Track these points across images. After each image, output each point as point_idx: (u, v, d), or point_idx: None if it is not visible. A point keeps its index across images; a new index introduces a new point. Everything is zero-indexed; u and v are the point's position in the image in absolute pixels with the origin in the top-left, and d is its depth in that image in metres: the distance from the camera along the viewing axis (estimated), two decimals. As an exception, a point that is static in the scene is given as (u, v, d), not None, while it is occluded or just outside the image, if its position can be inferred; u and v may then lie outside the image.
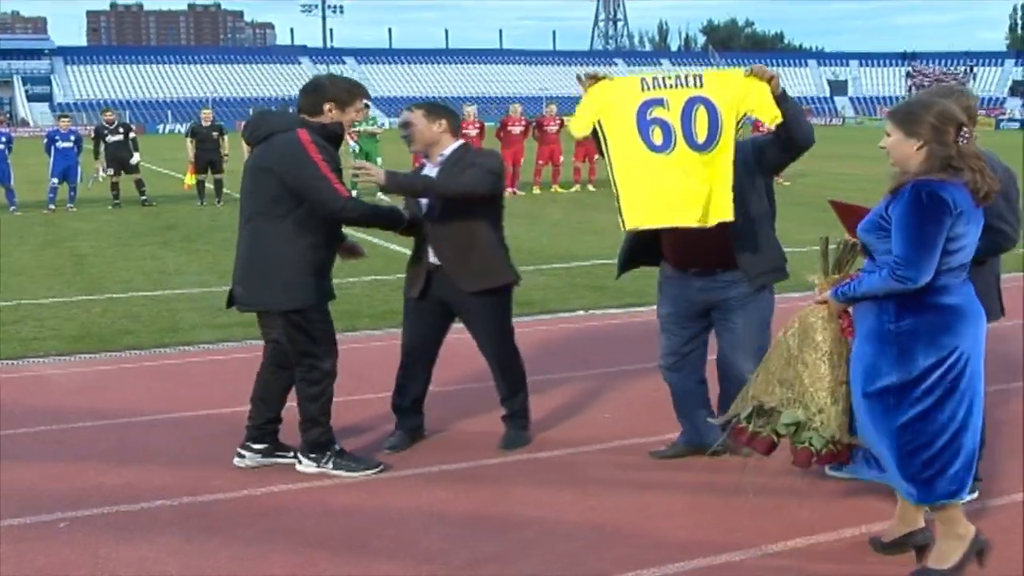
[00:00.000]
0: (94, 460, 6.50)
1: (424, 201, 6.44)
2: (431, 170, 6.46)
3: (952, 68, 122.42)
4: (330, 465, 6.19)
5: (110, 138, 23.63)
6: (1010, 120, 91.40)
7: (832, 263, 4.98)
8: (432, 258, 6.46)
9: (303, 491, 5.98)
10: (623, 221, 5.84)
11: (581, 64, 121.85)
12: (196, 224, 19.87)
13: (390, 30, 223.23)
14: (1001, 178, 4.92)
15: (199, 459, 6.52)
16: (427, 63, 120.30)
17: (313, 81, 6.27)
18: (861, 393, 4.71)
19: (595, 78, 5.96)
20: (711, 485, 6.01)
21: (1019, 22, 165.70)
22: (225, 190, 24.09)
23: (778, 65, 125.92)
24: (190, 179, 24.00)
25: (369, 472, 6.19)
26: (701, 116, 5.71)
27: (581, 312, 11.08)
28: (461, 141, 6.58)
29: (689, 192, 5.73)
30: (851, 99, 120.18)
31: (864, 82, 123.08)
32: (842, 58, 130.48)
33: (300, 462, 6.25)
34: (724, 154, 5.73)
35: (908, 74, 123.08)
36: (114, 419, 7.35)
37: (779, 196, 6.47)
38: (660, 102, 5.75)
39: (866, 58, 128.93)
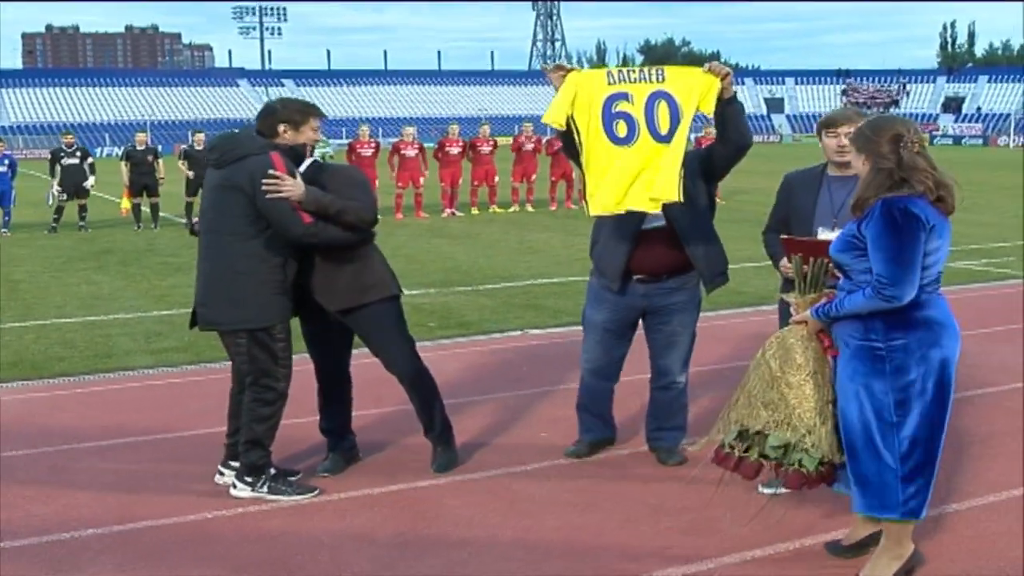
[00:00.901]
0: (25, 489, 6.41)
1: None
2: None
3: (886, 85, 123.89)
4: (265, 489, 6.16)
5: (65, 161, 23.40)
6: (943, 136, 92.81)
7: (808, 283, 5.03)
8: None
9: (235, 516, 5.94)
10: (588, 208, 6.13)
11: (519, 84, 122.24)
12: (132, 249, 19.69)
13: (328, 52, 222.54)
14: None
15: (131, 486, 6.46)
16: (366, 84, 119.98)
17: (267, 105, 6.35)
18: (857, 411, 4.74)
19: (563, 69, 6.16)
20: (645, 502, 6.06)
21: (949, 40, 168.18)
22: (162, 213, 23.91)
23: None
24: (126, 203, 23.78)
25: (303, 497, 6.16)
26: (663, 109, 5.99)
27: (518, 332, 11.10)
28: (313, 158, 6.47)
29: (647, 179, 6.03)
30: (788, 116, 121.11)
31: (800, 100, 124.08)
32: (778, 76, 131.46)
33: (235, 486, 6.22)
34: (678, 141, 6.02)
35: (844, 91, 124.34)
36: (45, 447, 7.26)
37: (717, 213, 6.62)
38: (625, 96, 6.02)
39: (802, 76, 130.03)
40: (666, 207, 6.15)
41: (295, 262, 6.17)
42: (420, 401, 6.68)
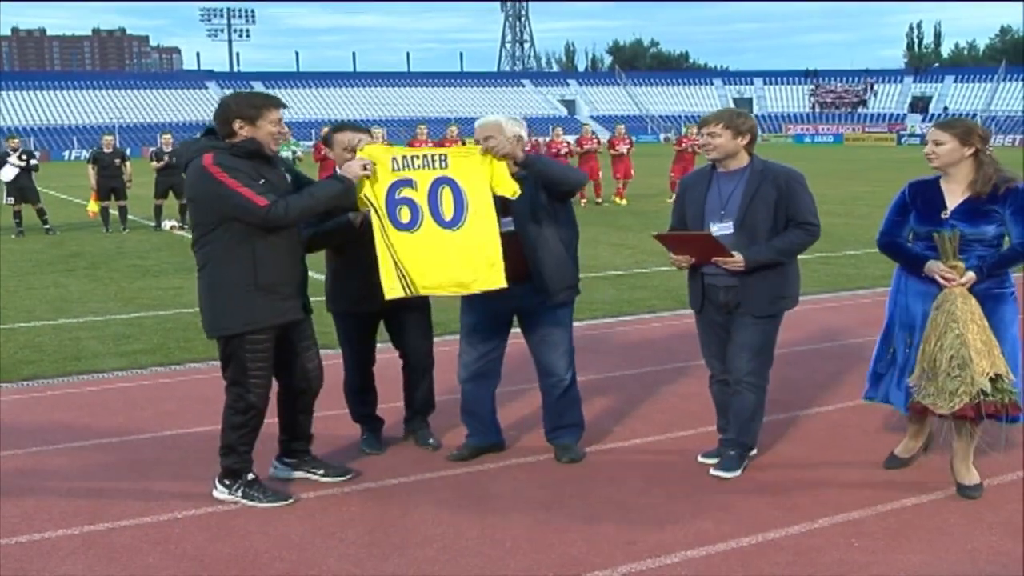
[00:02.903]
0: (-7, 491, 6.44)
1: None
2: None
3: (854, 85, 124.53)
4: (239, 494, 6.17)
5: (12, 161, 23.14)
6: (911, 135, 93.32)
7: (956, 252, 5.90)
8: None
9: (204, 516, 5.99)
10: (384, 291, 6.20)
11: (488, 86, 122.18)
12: (101, 252, 19.64)
13: (297, 54, 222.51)
14: (800, 180, 6.30)
15: (101, 487, 6.49)
16: (334, 86, 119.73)
17: (220, 101, 6.13)
18: (1010, 340, 5.99)
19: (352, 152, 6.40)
20: (611, 499, 6.13)
21: (916, 40, 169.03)
22: (130, 216, 23.83)
23: (684, 84, 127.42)
24: (94, 206, 23.65)
25: (277, 504, 6.14)
26: (447, 196, 6.15)
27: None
28: None
29: (444, 264, 6.18)
30: (757, 117, 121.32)
31: (769, 100, 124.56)
32: (747, 76, 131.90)
33: (215, 487, 6.25)
34: (481, 228, 6.16)
35: (812, 91, 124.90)
36: (13, 450, 7.27)
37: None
38: (409, 182, 6.15)
39: (770, 76, 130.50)
40: (515, 215, 6.40)
41: (272, 263, 5.96)
42: (427, 385, 7.25)
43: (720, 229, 6.27)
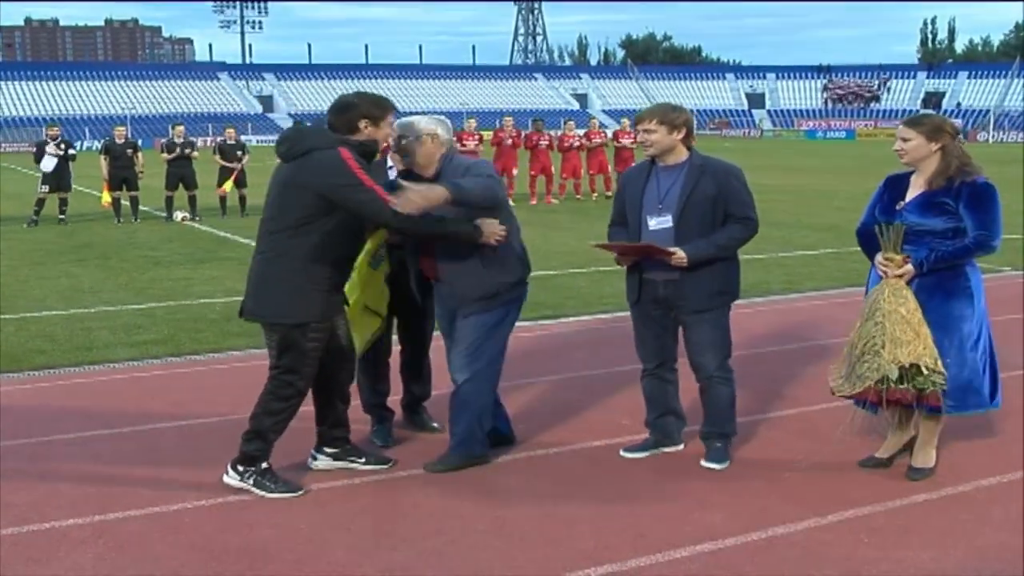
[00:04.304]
0: (4, 479, 6.43)
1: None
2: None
3: (867, 80, 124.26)
4: (251, 482, 6.16)
5: (50, 152, 23.19)
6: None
7: (893, 246, 6.02)
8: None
9: (214, 506, 6.00)
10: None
11: (500, 79, 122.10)
12: (112, 242, 19.67)
13: (309, 46, 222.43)
14: (738, 176, 6.39)
15: (111, 476, 6.51)
16: (347, 79, 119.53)
17: (343, 100, 6.23)
18: (957, 334, 6.03)
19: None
20: (618, 493, 6.13)
21: (929, 36, 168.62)
22: (142, 207, 23.86)
23: (696, 79, 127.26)
24: (106, 197, 23.66)
25: (288, 494, 6.13)
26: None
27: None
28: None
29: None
30: (769, 112, 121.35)
31: (781, 95, 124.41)
32: (759, 71, 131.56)
33: (227, 473, 6.25)
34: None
35: (824, 87, 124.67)
36: (24, 439, 7.29)
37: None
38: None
39: (783, 71, 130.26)
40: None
41: (350, 260, 6.20)
42: (426, 374, 7.38)
43: (659, 223, 6.33)
